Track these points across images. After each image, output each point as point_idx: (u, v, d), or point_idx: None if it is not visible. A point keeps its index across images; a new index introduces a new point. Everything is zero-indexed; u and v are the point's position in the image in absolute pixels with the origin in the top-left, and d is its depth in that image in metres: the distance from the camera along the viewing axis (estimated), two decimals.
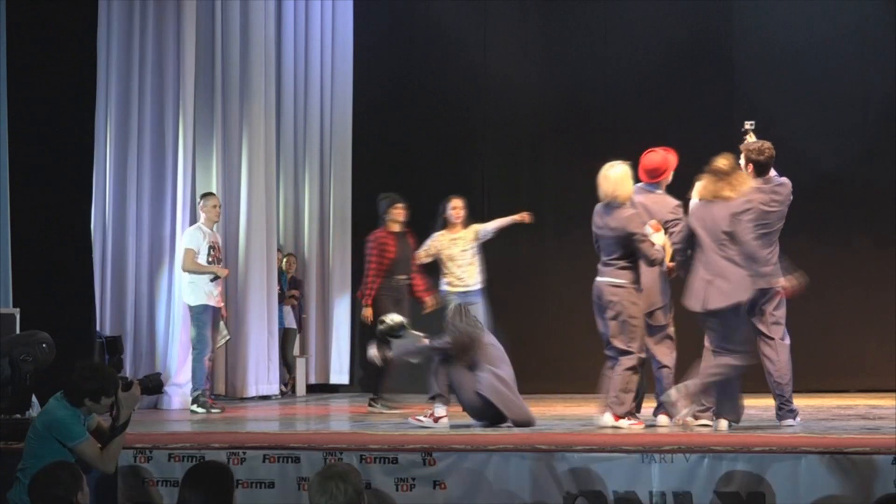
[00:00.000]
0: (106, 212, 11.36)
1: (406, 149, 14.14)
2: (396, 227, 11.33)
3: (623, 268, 8.57)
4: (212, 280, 10.96)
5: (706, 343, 8.43)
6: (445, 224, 11.34)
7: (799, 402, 8.92)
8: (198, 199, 11.46)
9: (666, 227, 8.68)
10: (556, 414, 10.42)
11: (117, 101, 11.45)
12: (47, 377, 9.34)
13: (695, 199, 8.55)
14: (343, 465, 5.48)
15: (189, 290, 11.03)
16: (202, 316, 10.96)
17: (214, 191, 12.18)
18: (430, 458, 7.35)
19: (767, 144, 8.73)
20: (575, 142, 13.58)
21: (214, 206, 11.17)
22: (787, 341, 8.62)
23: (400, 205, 11.43)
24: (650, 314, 8.78)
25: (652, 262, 8.56)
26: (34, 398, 9.05)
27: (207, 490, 5.07)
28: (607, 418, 8.57)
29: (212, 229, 11.13)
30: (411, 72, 14.14)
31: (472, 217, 13.89)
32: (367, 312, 11.10)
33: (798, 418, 8.70)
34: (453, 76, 14.11)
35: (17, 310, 9.76)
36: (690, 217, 8.53)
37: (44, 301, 10.06)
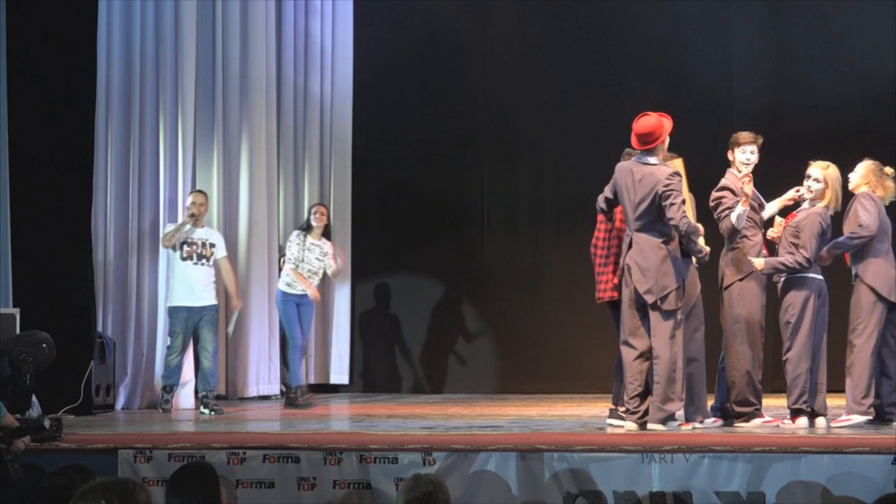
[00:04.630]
0: (107, 212, 11.35)
1: (406, 148, 14.14)
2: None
3: None
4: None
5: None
6: (308, 228, 11.70)
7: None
8: None
9: (660, 199, 8.32)
10: (557, 414, 10.42)
11: (118, 101, 11.44)
12: (47, 377, 9.39)
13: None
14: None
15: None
16: (217, 316, 11.10)
17: (216, 190, 12.22)
18: (429, 458, 7.35)
19: None
20: (575, 141, 13.57)
21: (191, 203, 11.15)
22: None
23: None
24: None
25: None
26: (34, 398, 9.08)
27: (191, 495, 5.06)
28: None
29: (192, 225, 11.08)
30: (411, 71, 14.13)
31: (470, 213, 13.97)
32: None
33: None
34: (453, 75, 14.11)
35: (17, 310, 9.78)
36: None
37: (44, 301, 10.08)
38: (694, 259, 8.70)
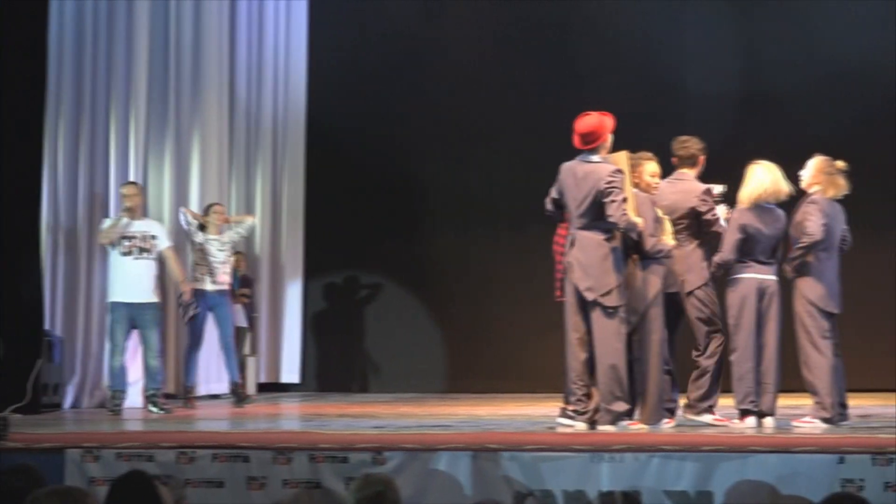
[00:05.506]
0: (57, 211, 11.27)
1: (360, 147, 14.11)
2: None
3: None
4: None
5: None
6: (204, 227, 11.66)
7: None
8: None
9: (601, 196, 8.35)
10: (507, 413, 10.44)
11: (69, 100, 11.39)
12: None
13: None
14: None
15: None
16: (160, 314, 11.01)
17: (166, 189, 12.16)
18: (379, 458, 7.36)
19: None
20: (531, 138, 13.55)
21: (125, 196, 10.93)
22: None
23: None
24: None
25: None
26: None
27: None
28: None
29: (129, 218, 10.87)
30: (365, 69, 14.10)
31: (424, 211, 13.97)
32: None
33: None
34: (409, 73, 14.08)
35: None
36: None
37: None
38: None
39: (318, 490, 7.35)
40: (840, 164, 8.85)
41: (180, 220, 11.69)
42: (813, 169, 8.85)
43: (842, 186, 8.82)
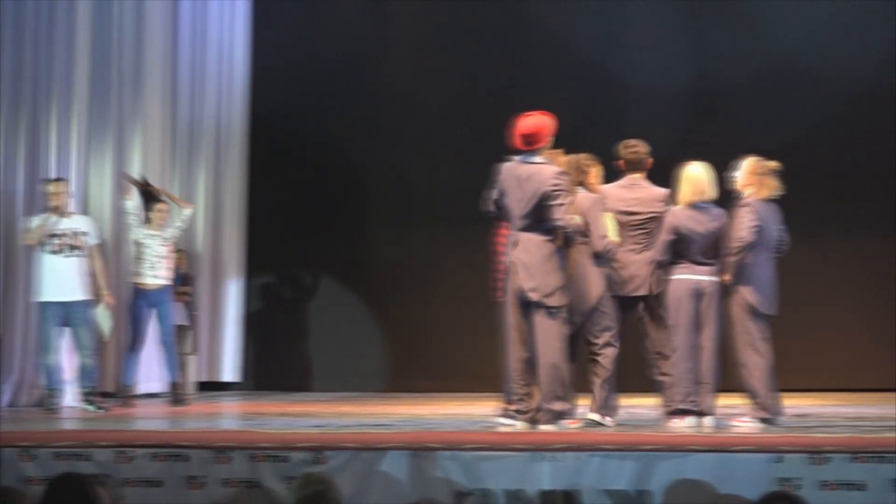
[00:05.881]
0: None
1: (303, 144, 14.05)
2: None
3: None
4: None
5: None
6: (148, 221, 11.63)
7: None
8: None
9: (546, 198, 8.39)
10: (448, 412, 10.45)
11: (8, 99, 11.31)
12: None
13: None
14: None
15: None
16: (89, 310, 10.88)
17: (107, 187, 12.07)
18: (319, 457, 7.34)
19: None
20: (473, 136, 13.53)
21: (52, 194, 10.81)
22: None
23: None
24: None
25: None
26: None
27: None
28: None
29: (58, 216, 10.75)
30: (309, 67, 14.04)
31: (365, 209, 13.95)
32: None
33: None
34: (351, 72, 14.05)
35: None
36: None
37: None
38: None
39: (258, 490, 7.32)
40: (772, 164, 8.88)
41: (126, 211, 11.57)
42: (744, 171, 8.89)
43: (774, 187, 8.85)
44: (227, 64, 13.93)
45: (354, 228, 14.03)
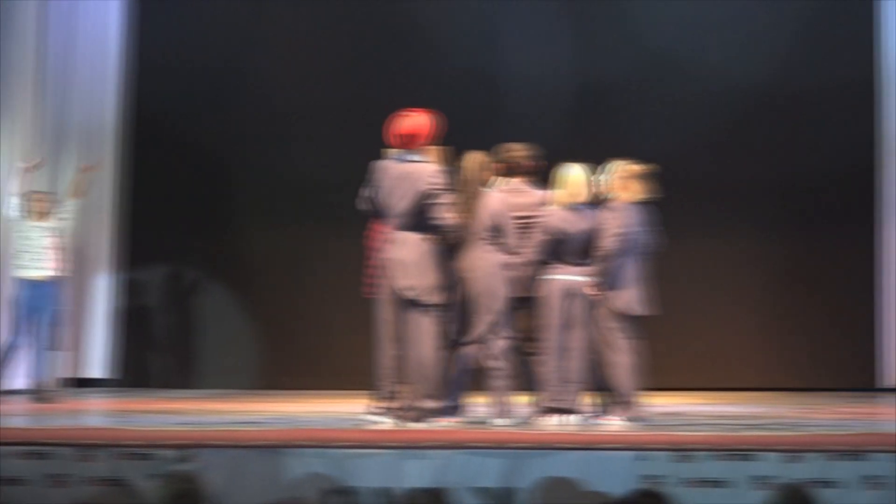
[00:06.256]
0: None
1: (182, 141, 13.94)
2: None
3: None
4: None
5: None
6: (29, 212, 11.55)
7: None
8: None
9: (426, 197, 8.43)
10: (316, 410, 10.42)
11: None
12: None
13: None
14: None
15: None
16: None
17: None
18: (185, 455, 7.26)
19: None
20: (347, 134, 13.53)
21: None
22: None
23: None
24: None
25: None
26: None
27: None
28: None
29: None
30: (189, 64, 13.93)
31: (239, 205, 13.88)
32: None
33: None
34: (229, 70, 13.99)
35: None
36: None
37: None
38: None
39: (124, 488, 7.23)
40: (637, 167, 8.95)
41: (10, 203, 11.42)
42: (610, 174, 8.98)
43: (639, 190, 8.93)
44: (99, 60, 13.78)
45: (230, 226, 14.00)
